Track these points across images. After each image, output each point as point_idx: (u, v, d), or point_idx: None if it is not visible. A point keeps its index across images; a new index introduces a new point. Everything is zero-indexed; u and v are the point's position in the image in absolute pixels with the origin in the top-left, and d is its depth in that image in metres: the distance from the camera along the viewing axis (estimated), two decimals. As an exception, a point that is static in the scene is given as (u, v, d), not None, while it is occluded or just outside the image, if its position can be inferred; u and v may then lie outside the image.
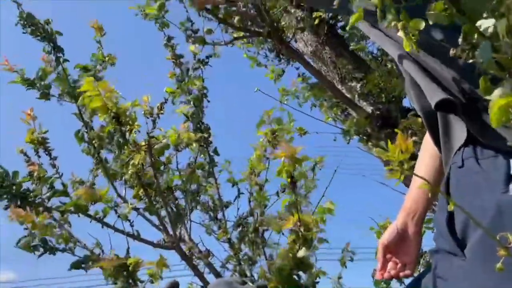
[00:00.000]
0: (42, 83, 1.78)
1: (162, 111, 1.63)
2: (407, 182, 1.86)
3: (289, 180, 0.82)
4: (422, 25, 0.76)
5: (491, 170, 0.74)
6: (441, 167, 0.96)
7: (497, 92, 0.60)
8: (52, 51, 1.81)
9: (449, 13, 0.65)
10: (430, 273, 0.80)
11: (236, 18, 1.91)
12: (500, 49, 0.63)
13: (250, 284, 0.70)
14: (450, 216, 0.77)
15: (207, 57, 1.93)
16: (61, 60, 1.82)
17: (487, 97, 0.64)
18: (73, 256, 1.50)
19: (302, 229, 0.84)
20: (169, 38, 1.95)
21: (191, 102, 1.74)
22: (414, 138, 0.67)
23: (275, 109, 1.82)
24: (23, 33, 1.79)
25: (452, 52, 0.76)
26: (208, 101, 1.77)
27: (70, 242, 1.45)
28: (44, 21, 1.81)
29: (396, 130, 0.64)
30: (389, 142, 0.64)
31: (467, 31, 0.69)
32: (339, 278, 2.01)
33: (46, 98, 1.79)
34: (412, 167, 0.67)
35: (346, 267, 1.93)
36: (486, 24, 0.64)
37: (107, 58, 1.83)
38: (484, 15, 0.65)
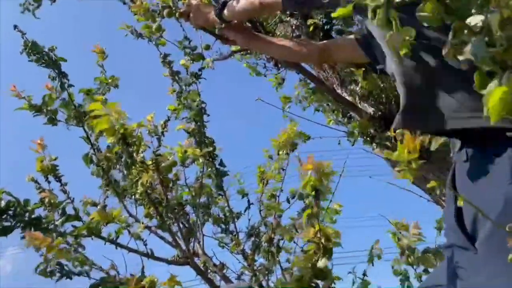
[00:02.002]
0: (49, 108, 1.81)
1: (166, 129, 1.66)
2: (414, 181, 1.87)
3: (313, 193, 0.82)
4: (413, 33, 0.78)
5: (497, 162, 0.75)
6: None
7: (492, 84, 0.61)
8: (57, 77, 1.85)
9: (438, 13, 0.67)
10: (441, 269, 0.80)
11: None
12: (493, 44, 0.64)
13: None
14: (458, 211, 0.78)
15: (200, 70, 1.94)
16: (66, 85, 1.86)
17: (483, 92, 0.66)
18: (89, 280, 1.51)
19: (323, 240, 0.85)
20: (165, 56, 1.97)
21: (191, 119, 1.75)
22: (422, 138, 0.68)
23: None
24: (29, 61, 1.83)
25: (444, 51, 0.78)
26: (208, 115, 1.78)
27: (86, 264, 1.46)
28: (48, 48, 1.85)
29: (396, 131, 0.65)
30: (398, 143, 0.65)
31: (457, 29, 0.70)
32: (364, 275, 2.00)
33: (53, 123, 1.83)
34: (420, 166, 0.68)
35: (373, 264, 1.92)
36: (475, 20, 0.66)
37: (110, 80, 1.85)
38: (473, 11, 0.66)
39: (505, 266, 0.56)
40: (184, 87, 1.84)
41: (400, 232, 1.54)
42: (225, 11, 1.46)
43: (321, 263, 0.81)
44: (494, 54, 0.65)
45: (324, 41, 1.51)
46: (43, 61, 1.82)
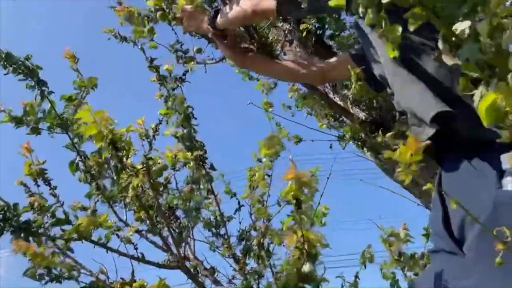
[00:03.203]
0: (30, 119, 1.78)
1: (157, 133, 1.65)
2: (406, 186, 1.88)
3: (294, 201, 0.83)
4: (399, 31, 0.78)
5: (483, 166, 0.75)
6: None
7: (477, 92, 0.62)
8: (36, 86, 1.82)
9: (426, 16, 0.67)
10: (427, 274, 0.81)
11: (225, 35, 1.93)
12: (481, 51, 0.65)
13: None
14: (445, 216, 0.78)
15: (184, 74, 1.92)
16: (46, 93, 1.83)
17: (465, 94, 0.66)
18: (78, 284, 1.50)
19: (306, 246, 0.85)
20: (152, 60, 1.94)
21: (180, 124, 1.73)
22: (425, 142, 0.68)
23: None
24: (5, 74, 1.80)
25: (433, 56, 0.78)
26: (195, 118, 1.76)
27: (73, 270, 1.45)
28: (24, 57, 1.82)
29: (388, 135, 0.65)
30: (401, 144, 0.65)
31: (445, 34, 0.71)
32: (356, 277, 2.00)
33: (37, 133, 1.80)
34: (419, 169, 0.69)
35: (365, 267, 1.92)
36: (462, 26, 0.66)
37: (87, 83, 1.82)
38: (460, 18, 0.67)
39: (494, 270, 0.57)
40: (170, 91, 1.82)
41: (390, 237, 1.55)
42: (218, 19, 1.46)
43: (306, 268, 0.81)
44: (481, 61, 0.65)
45: (321, 64, 1.51)
46: (20, 71, 1.80)
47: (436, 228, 0.80)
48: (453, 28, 0.68)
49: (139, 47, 1.97)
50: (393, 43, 0.82)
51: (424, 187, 0.98)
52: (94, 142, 1.22)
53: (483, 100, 0.61)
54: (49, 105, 1.82)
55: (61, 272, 1.44)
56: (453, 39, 0.70)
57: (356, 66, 1.28)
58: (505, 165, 0.71)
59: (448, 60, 0.72)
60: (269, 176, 1.98)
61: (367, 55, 1.18)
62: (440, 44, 0.72)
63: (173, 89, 1.79)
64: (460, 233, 0.74)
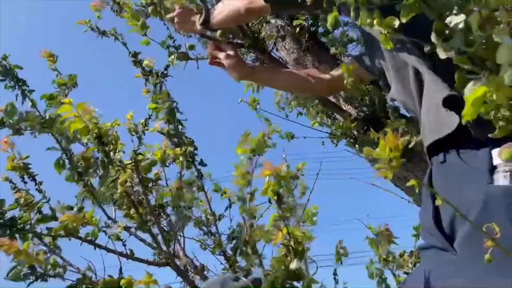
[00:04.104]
0: (11, 120, 1.72)
1: (146, 128, 1.63)
2: (396, 181, 1.87)
3: (275, 198, 0.82)
4: (396, 23, 0.77)
5: (474, 162, 0.74)
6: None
7: (470, 85, 0.61)
8: (16, 86, 1.77)
9: (419, 8, 0.66)
10: (417, 272, 0.79)
11: (218, 32, 1.92)
12: (473, 43, 0.64)
13: (244, 279, 0.70)
14: (436, 212, 0.77)
15: (165, 68, 1.88)
16: (26, 92, 1.78)
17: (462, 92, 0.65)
18: (63, 281, 1.47)
19: (292, 243, 0.84)
20: (135, 54, 1.91)
21: (166, 119, 1.70)
22: (404, 138, 0.66)
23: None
24: None
25: (426, 49, 0.77)
26: (181, 113, 1.73)
27: (59, 267, 1.42)
28: (1, 57, 1.77)
29: (380, 132, 0.64)
30: (381, 141, 0.63)
31: (439, 27, 0.70)
32: (335, 274, 1.98)
33: (19, 133, 1.74)
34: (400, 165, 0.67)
35: (342, 263, 1.91)
36: (456, 20, 0.65)
37: (68, 81, 1.78)
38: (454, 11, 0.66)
39: (485, 268, 0.56)
40: (156, 88, 1.79)
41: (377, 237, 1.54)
42: (211, 20, 1.44)
43: (293, 265, 0.80)
44: (472, 54, 0.64)
45: (327, 75, 1.48)
46: None
47: (427, 224, 0.78)
48: (447, 21, 0.67)
49: (121, 40, 1.94)
50: (389, 35, 0.81)
51: (408, 183, 0.97)
52: (80, 137, 1.19)
53: (471, 93, 0.60)
54: (30, 104, 1.77)
55: (46, 269, 1.40)
56: (446, 32, 0.69)
57: (365, 71, 1.27)
58: (496, 161, 0.70)
59: (442, 54, 0.71)
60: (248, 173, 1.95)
61: (370, 53, 1.16)
62: (433, 37, 0.71)
63: (155, 85, 1.76)
64: (451, 229, 0.73)
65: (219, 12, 1.39)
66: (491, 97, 0.59)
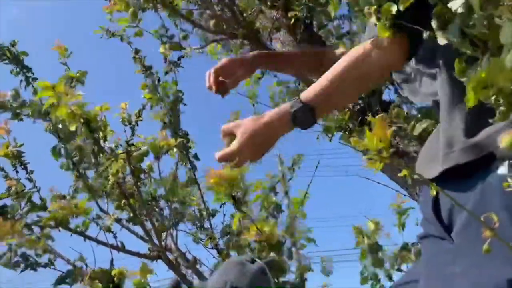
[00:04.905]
0: (14, 104, 1.78)
1: (140, 118, 1.60)
2: (387, 172, 1.86)
3: (232, 201, 0.79)
4: (394, 8, 0.76)
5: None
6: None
7: (469, 72, 0.60)
8: (21, 72, 1.83)
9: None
10: (418, 264, 0.78)
11: (212, 21, 1.90)
12: (474, 27, 0.63)
13: (259, 261, 0.70)
14: (436, 201, 0.76)
15: (179, 59, 1.90)
16: (30, 79, 1.83)
17: (462, 80, 0.64)
18: (54, 270, 1.45)
19: (264, 238, 0.83)
20: (137, 51, 1.93)
21: (168, 107, 1.70)
22: (394, 127, 0.64)
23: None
24: None
25: (425, 35, 0.76)
26: (185, 105, 1.73)
27: (49, 253, 1.40)
28: (10, 43, 1.84)
29: (372, 119, 0.62)
30: (367, 130, 0.62)
31: (438, 12, 0.68)
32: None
33: (18, 118, 1.78)
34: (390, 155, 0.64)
35: (328, 275, 1.92)
36: (456, 4, 0.64)
37: (76, 76, 1.77)
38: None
39: (482, 257, 0.54)
40: (156, 80, 1.80)
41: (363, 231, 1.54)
42: (316, 109, 0.88)
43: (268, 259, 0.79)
44: (473, 36, 0.63)
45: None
46: (5, 57, 1.82)
47: (426, 213, 0.77)
48: (448, 5, 0.66)
49: (126, 41, 1.97)
50: (387, 22, 0.80)
51: (400, 174, 0.95)
52: (68, 124, 1.16)
53: (472, 78, 0.59)
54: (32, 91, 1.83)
55: (36, 254, 1.39)
56: (446, 17, 0.68)
57: None
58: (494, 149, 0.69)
59: (441, 39, 0.69)
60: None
61: None
62: (433, 23, 0.70)
63: (167, 73, 1.77)
64: (449, 218, 0.72)
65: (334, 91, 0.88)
66: (492, 81, 0.58)
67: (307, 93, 0.88)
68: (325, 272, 1.98)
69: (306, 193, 1.79)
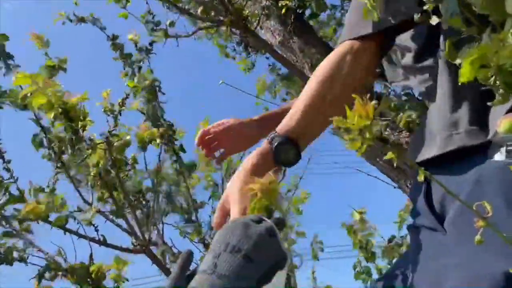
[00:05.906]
0: None
1: (124, 107, 1.54)
2: (384, 170, 1.82)
3: (266, 215, 0.69)
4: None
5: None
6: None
7: (461, 52, 0.55)
8: (0, 58, 1.65)
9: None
10: (405, 255, 0.74)
11: (200, 8, 1.83)
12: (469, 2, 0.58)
13: (267, 220, 0.62)
14: (427, 191, 0.71)
15: (150, 44, 1.79)
16: (11, 66, 1.73)
17: (454, 62, 0.59)
18: (26, 265, 1.39)
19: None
20: (114, 37, 1.82)
21: (146, 98, 1.61)
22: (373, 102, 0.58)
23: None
24: None
25: (416, 17, 0.71)
26: (163, 94, 1.64)
27: (18, 251, 1.34)
28: None
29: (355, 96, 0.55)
30: (347, 108, 0.56)
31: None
32: (313, 272, 1.97)
33: None
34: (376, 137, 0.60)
35: (318, 259, 1.88)
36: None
37: (57, 64, 1.69)
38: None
39: (474, 248, 0.50)
40: (138, 69, 1.71)
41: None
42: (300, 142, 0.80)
43: None
44: (470, 12, 0.58)
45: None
46: None
47: (418, 203, 0.73)
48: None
49: (98, 27, 1.87)
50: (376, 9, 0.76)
51: (385, 157, 0.90)
52: (46, 113, 1.10)
53: (468, 55, 0.54)
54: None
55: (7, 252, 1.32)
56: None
57: None
58: (493, 134, 0.65)
59: (433, 19, 0.65)
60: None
61: None
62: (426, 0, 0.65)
63: (139, 61, 1.67)
64: (442, 208, 0.67)
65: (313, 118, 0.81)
66: (492, 59, 0.53)
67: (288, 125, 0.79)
68: (314, 255, 1.95)
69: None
